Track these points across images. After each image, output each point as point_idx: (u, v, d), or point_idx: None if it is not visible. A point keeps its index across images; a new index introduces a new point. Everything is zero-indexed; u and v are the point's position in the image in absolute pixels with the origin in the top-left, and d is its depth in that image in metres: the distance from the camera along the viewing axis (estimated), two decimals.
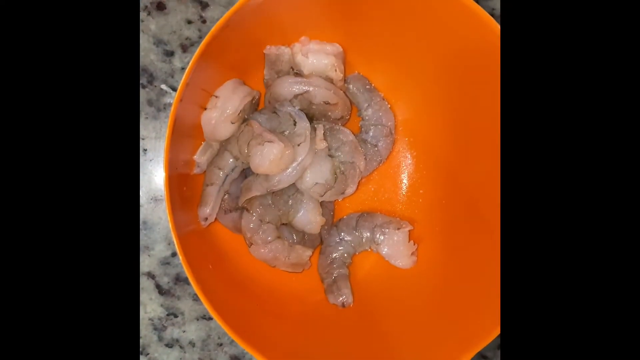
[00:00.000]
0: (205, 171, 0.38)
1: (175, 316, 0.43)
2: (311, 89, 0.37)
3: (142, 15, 0.41)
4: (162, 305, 0.42)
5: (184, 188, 0.35)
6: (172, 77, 0.42)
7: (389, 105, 0.41)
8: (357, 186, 0.40)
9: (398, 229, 0.39)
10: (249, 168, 0.38)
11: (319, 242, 0.41)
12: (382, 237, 0.39)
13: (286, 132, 0.37)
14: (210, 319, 0.43)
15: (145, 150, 0.42)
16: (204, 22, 0.42)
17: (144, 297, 0.42)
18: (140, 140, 0.42)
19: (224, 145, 0.37)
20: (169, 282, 0.42)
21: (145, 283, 0.42)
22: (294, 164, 0.36)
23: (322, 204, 0.39)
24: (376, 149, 0.41)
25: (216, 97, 0.36)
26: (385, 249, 0.40)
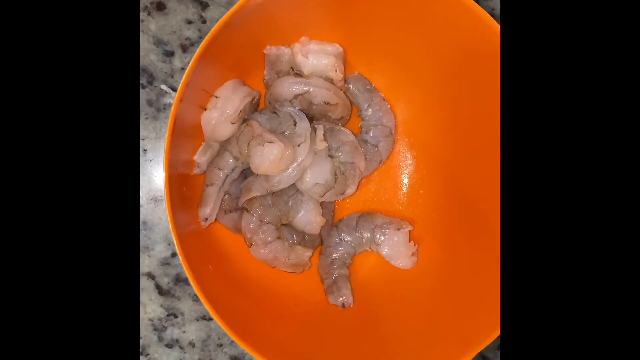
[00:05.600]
0: (205, 171, 0.38)
1: (175, 317, 0.42)
2: (311, 89, 0.37)
3: (142, 15, 0.41)
4: (162, 306, 0.42)
5: (183, 188, 0.35)
6: (172, 77, 0.42)
7: (389, 106, 0.41)
8: (357, 186, 0.40)
9: (398, 229, 0.39)
10: (249, 168, 0.38)
11: (319, 242, 0.41)
12: (382, 238, 0.39)
13: (286, 133, 0.36)
14: (210, 319, 0.43)
15: (145, 150, 0.42)
16: (204, 22, 0.42)
17: (143, 297, 0.42)
18: (140, 140, 0.42)
19: (224, 145, 0.37)
20: (169, 283, 0.42)
21: (145, 283, 0.42)
22: (294, 165, 0.36)
23: (322, 204, 0.39)
24: (376, 149, 0.41)
25: (216, 97, 0.36)
26: (386, 250, 0.39)
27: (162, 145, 0.40)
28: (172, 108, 0.31)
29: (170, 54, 0.42)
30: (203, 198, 0.37)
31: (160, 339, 0.43)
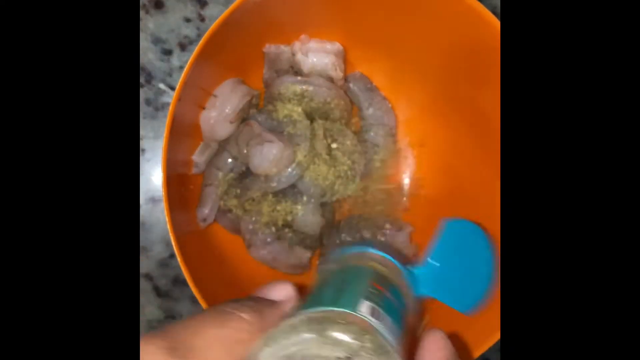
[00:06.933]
0: (204, 171, 0.37)
1: (174, 318, 0.42)
2: (311, 88, 0.37)
3: (141, 13, 0.41)
4: (160, 308, 0.42)
5: (182, 188, 0.35)
6: (171, 76, 0.42)
7: (390, 105, 0.41)
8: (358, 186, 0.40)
9: (399, 230, 0.39)
10: (248, 168, 0.37)
11: (318, 243, 0.41)
12: (382, 239, 0.39)
13: (286, 132, 0.36)
14: None
15: (143, 150, 0.42)
16: (202, 20, 0.41)
17: (142, 299, 0.42)
18: None
19: (223, 145, 0.37)
20: (167, 284, 0.42)
21: (143, 285, 0.42)
22: (294, 164, 0.35)
23: (322, 204, 0.39)
24: (377, 148, 0.40)
25: (215, 96, 0.36)
26: None
27: (161, 145, 0.40)
28: (171, 107, 0.31)
29: (168, 53, 0.41)
30: (202, 198, 0.37)
31: None
